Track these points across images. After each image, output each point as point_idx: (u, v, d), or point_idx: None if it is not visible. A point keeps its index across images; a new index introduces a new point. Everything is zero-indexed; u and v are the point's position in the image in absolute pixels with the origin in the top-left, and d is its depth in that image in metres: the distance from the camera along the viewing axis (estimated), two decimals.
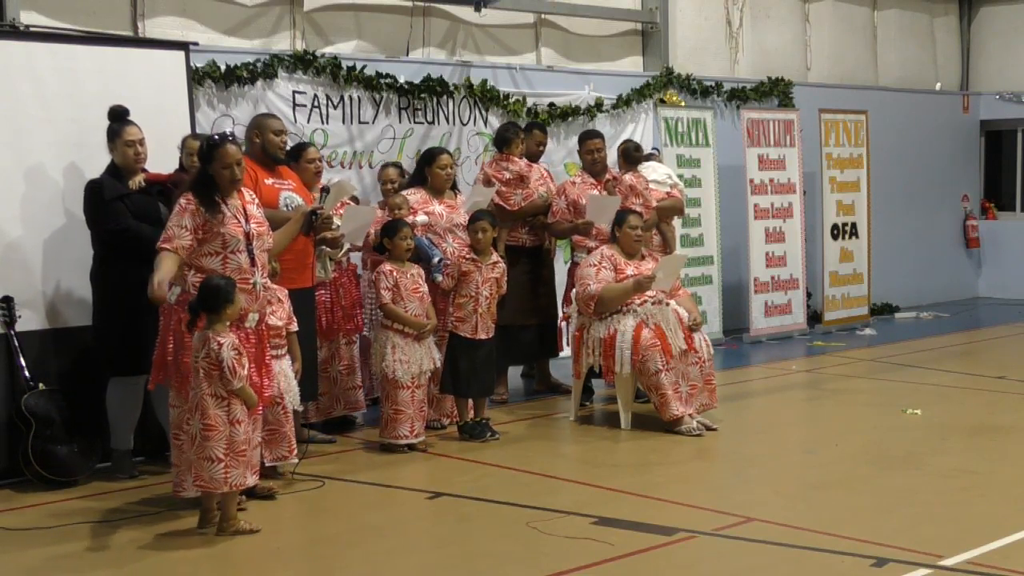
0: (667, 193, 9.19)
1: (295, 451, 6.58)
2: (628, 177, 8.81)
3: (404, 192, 8.05)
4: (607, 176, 8.86)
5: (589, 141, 8.90)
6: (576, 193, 8.72)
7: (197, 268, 5.89)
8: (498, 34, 10.98)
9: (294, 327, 6.45)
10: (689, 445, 7.60)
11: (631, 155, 9.05)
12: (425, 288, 7.50)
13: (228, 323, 5.72)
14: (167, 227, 5.87)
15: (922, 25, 15.32)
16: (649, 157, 9.64)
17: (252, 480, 5.86)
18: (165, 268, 5.67)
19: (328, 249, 7.36)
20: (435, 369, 7.54)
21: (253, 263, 6.00)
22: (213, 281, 5.73)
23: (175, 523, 5.91)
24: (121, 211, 6.67)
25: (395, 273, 7.35)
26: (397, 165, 8.82)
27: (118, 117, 6.82)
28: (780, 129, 12.18)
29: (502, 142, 8.83)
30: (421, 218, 7.93)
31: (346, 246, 7.58)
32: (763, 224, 11.98)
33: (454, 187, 8.38)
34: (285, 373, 6.45)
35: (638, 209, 8.51)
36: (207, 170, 5.94)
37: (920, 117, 14.67)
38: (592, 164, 8.85)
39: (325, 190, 6.90)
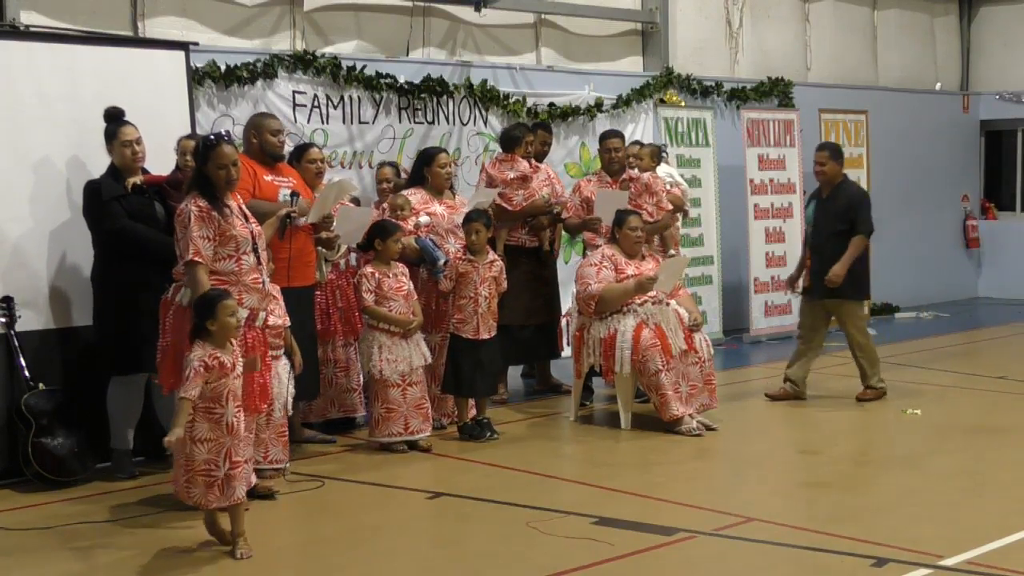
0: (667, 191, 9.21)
1: (269, 458, 6.48)
2: (645, 176, 8.81)
3: (404, 192, 8.03)
4: (624, 176, 8.84)
5: (608, 140, 8.87)
6: (590, 191, 8.72)
7: (213, 272, 5.89)
8: (498, 34, 10.98)
9: (287, 322, 6.40)
10: (689, 445, 7.60)
11: (657, 156, 9.08)
12: (410, 286, 7.48)
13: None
14: (190, 238, 5.78)
15: (922, 25, 15.32)
16: None
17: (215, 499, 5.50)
18: (205, 286, 5.72)
19: (323, 250, 7.33)
20: (427, 365, 7.52)
21: (259, 262, 6.02)
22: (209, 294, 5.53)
23: (175, 523, 5.90)
24: (117, 212, 6.67)
25: (377, 275, 7.34)
26: (393, 164, 8.82)
27: (113, 118, 6.81)
28: (780, 129, 12.19)
29: (510, 142, 8.81)
30: (423, 219, 7.92)
31: (342, 248, 7.55)
32: (763, 224, 11.99)
33: (451, 187, 8.36)
34: (279, 377, 6.43)
35: (650, 209, 8.52)
36: (205, 171, 5.93)
37: (920, 117, 14.68)
38: (609, 163, 8.81)
39: (295, 194, 6.82)
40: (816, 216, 8.83)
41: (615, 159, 8.78)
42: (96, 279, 6.83)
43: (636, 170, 8.91)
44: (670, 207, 8.86)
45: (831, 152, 8.82)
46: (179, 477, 5.49)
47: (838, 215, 8.69)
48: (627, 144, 9.20)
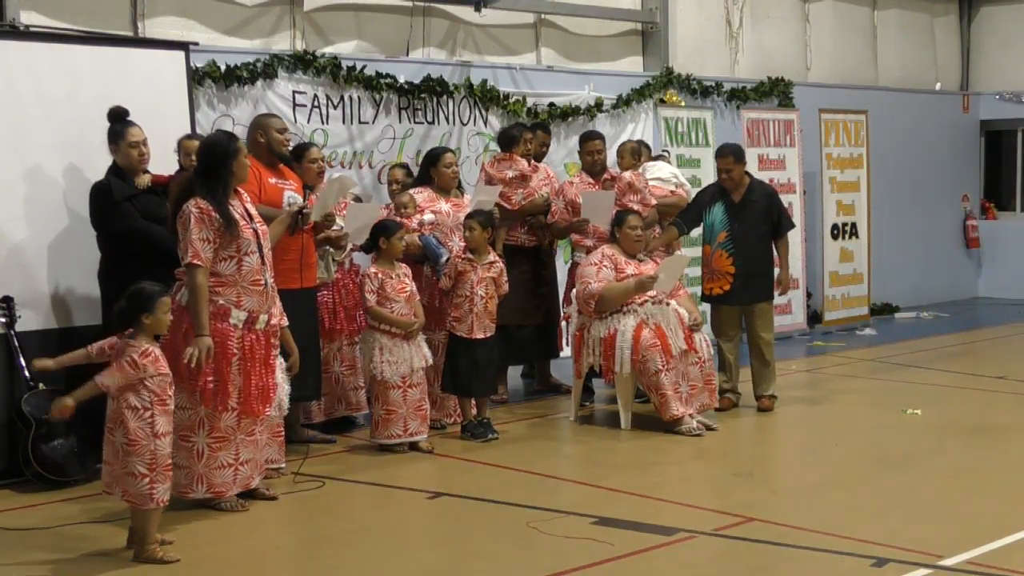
0: (671, 192, 9.21)
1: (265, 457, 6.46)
2: (627, 175, 8.82)
3: (411, 191, 8.06)
4: (605, 176, 8.88)
5: (590, 142, 8.93)
6: (574, 193, 8.75)
7: (212, 273, 5.89)
8: (498, 34, 10.98)
9: (285, 322, 6.40)
10: (689, 445, 7.60)
11: (638, 154, 9.09)
12: (412, 287, 7.48)
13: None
14: (189, 241, 5.79)
15: (922, 25, 15.32)
16: (658, 158, 9.68)
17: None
18: (205, 295, 5.79)
19: (331, 249, 7.35)
20: (427, 367, 7.52)
21: (263, 263, 6.01)
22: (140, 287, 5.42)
23: (175, 523, 5.89)
24: (131, 212, 6.68)
25: (380, 275, 7.33)
26: (404, 166, 8.84)
27: (119, 118, 6.81)
28: (780, 129, 12.19)
29: (508, 141, 8.83)
30: (428, 216, 7.95)
31: (349, 246, 7.57)
32: None
33: (459, 186, 8.39)
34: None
35: (635, 207, 8.52)
36: (229, 167, 5.92)
37: (920, 117, 14.67)
38: (592, 165, 8.90)
39: (309, 188, 6.89)
40: (731, 221, 8.53)
41: (597, 160, 8.86)
42: (104, 280, 6.82)
43: (617, 168, 8.95)
44: (655, 203, 8.85)
45: (735, 156, 8.57)
46: (131, 481, 5.31)
47: (759, 217, 8.56)
48: (627, 143, 9.25)
